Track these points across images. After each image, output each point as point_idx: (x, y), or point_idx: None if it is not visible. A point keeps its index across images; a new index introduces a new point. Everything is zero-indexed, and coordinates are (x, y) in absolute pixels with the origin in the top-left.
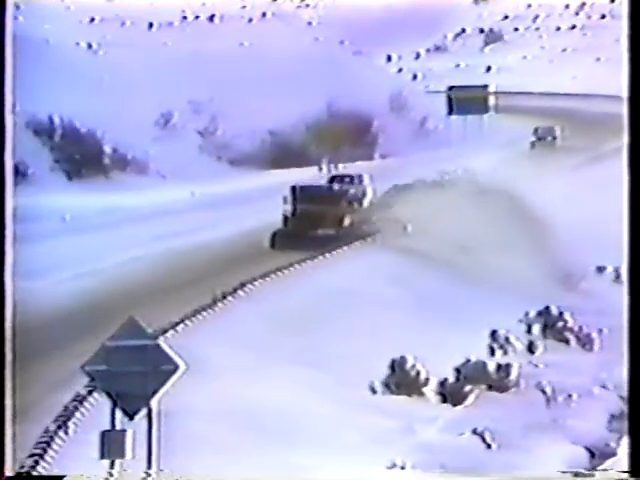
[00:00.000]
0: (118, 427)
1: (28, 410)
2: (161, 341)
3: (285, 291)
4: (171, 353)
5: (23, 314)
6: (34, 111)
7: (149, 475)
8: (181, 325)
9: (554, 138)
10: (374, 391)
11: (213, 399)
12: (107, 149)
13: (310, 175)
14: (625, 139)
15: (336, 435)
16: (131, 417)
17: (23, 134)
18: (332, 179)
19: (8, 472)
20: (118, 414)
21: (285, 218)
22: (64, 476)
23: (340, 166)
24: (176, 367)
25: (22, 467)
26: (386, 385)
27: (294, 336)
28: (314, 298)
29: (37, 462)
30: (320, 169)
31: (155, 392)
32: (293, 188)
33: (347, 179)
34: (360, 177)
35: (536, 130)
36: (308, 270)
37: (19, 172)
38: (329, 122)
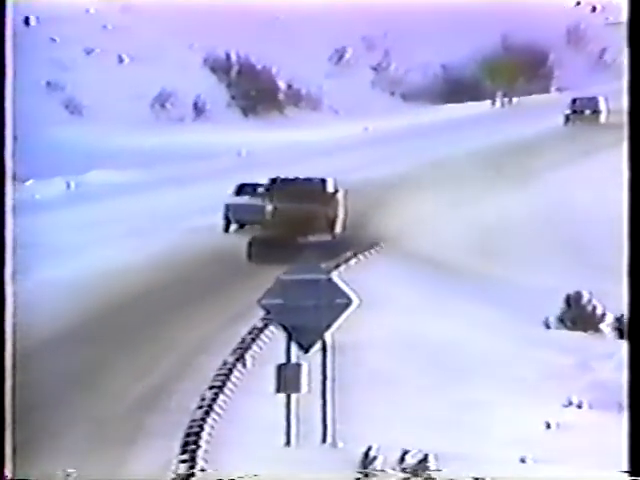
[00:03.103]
0: (293, 361)
1: (209, 342)
2: (334, 275)
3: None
4: (345, 287)
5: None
6: (211, 48)
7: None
8: (354, 260)
9: None
10: (548, 327)
11: (387, 333)
12: (282, 85)
13: (483, 110)
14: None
15: (511, 371)
16: (306, 350)
17: (201, 71)
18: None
19: (8, 472)
20: (293, 348)
21: (264, 219)
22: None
23: (514, 100)
24: (350, 301)
25: (203, 399)
26: (561, 320)
27: (467, 272)
28: (491, 230)
29: (217, 394)
30: (493, 103)
31: (329, 326)
32: (272, 181)
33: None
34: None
35: None
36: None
37: (197, 109)
38: (504, 56)
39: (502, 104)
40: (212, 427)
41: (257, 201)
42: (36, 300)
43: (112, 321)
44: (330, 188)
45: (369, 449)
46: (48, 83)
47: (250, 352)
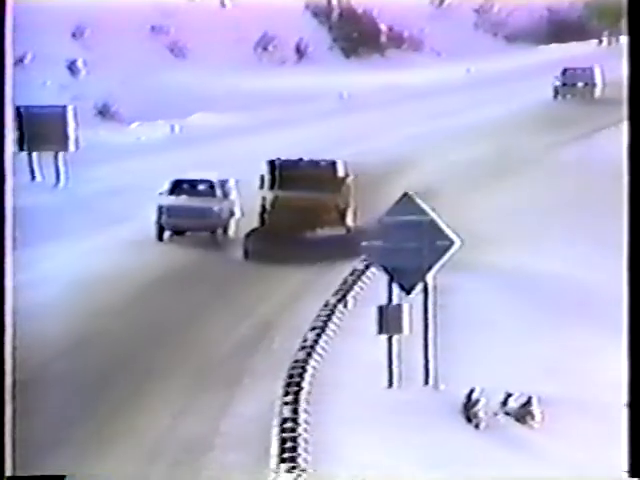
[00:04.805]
0: (395, 302)
1: (311, 283)
2: (435, 216)
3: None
4: (446, 229)
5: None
6: None
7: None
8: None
9: None
10: None
11: (489, 274)
12: (383, 27)
13: (588, 50)
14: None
15: (616, 313)
16: (408, 292)
17: (302, 15)
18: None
19: (8, 472)
20: (395, 289)
21: (262, 211)
22: (64, 476)
23: (621, 38)
24: (451, 243)
25: (305, 340)
26: None
27: (571, 209)
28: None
29: (319, 335)
30: (600, 42)
31: (430, 267)
32: (271, 164)
33: None
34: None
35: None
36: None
37: (299, 52)
38: None
39: (609, 42)
40: (314, 368)
41: (200, 201)
42: (123, 249)
43: (212, 264)
44: (341, 172)
45: (472, 392)
46: (152, 27)
47: (352, 293)
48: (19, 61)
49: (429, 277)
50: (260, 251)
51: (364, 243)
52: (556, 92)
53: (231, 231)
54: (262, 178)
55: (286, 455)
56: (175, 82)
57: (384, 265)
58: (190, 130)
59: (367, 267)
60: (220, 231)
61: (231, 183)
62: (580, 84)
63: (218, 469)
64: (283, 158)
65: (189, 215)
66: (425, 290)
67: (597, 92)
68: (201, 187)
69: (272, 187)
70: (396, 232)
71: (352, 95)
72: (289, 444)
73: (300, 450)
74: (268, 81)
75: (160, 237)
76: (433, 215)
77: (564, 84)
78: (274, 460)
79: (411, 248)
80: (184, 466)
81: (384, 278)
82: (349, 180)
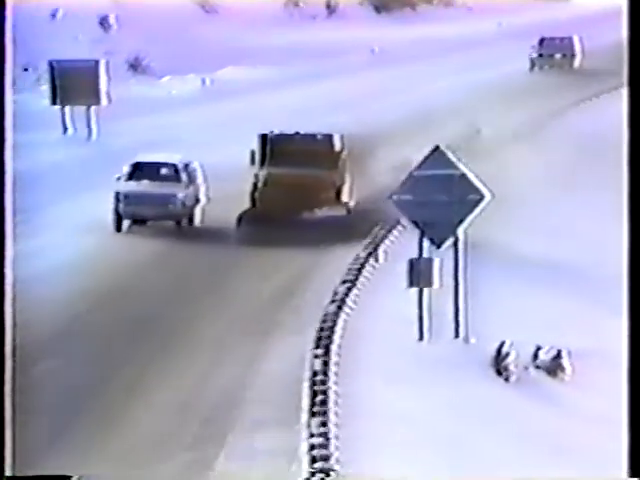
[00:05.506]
0: (425, 256)
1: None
2: (467, 170)
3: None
4: (477, 183)
5: None
6: None
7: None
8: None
9: None
10: None
11: (520, 229)
12: None
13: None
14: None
15: None
16: (438, 246)
17: None
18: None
19: (8, 472)
20: (425, 243)
21: (253, 190)
22: (67, 477)
23: None
24: (482, 197)
25: (336, 294)
26: None
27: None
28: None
29: (350, 289)
30: None
31: (461, 221)
32: (263, 138)
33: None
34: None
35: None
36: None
37: (330, 7)
38: None
39: None
40: (345, 321)
41: (162, 187)
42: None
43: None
44: (337, 146)
45: (502, 345)
46: None
47: (382, 247)
48: (51, 16)
49: (460, 231)
50: (254, 232)
51: (394, 197)
52: (532, 64)
53: (197, 220)
54: (252, 153)
55: (317, 409)
56: (206, 36)
57: (414, 219)
58: (221, 84)
59: (397, 221)
60: (185, 220)
61: (195, 165)
62: (558, 55)
63: (248, 425)
64: (276, 131)
65: (151, 203)
66: (455, 244)
67: (576, 63)
68: (164, 171)
69: (263, 163)
70: (427, 186)
71: (383, 49)
72: (320, 397)
73: (330, 404)
74: (299, 36)
75: (119, 227)
76: (464, 169)
77: (540, 55)
78: (305, 415)
79: (441, 202)
80: (214, 425)
81: (415, 232)
82: (344, 154)
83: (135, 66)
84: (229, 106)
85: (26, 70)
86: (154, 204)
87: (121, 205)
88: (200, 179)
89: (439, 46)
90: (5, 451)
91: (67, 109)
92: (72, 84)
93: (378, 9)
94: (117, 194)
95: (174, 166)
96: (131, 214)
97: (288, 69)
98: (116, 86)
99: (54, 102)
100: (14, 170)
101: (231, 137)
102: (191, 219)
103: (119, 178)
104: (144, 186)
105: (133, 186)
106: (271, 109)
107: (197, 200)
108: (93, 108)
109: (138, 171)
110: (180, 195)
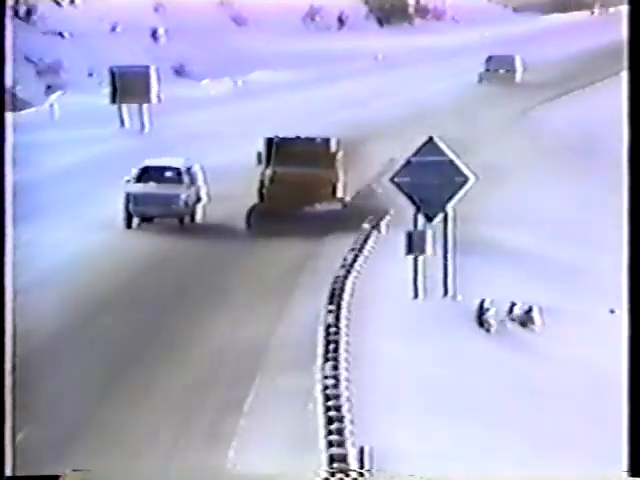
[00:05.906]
0: (420, 228)
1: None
2: (454, 157)
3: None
4: (463, 167)
5: None
6: None
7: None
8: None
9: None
10: None
11: (502, 207)
12: (411, 0)
13: (581, 18)
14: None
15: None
16: (430, 220)
17: None
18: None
19: (8, 472)
20: (420, 218)
21: (261, 187)
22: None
23: (611, 9)
24: (467, 179)
25: (345, 260)
26: None
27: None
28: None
29: (356, 256)
30: (592, 12)
31: (450, 199)
32: (269, 142)
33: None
34: None
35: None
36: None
37: (341, 20)
38: None
39: (600, 13)
40: (353, 283)
41: (167, 189)
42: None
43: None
44: (333, 148)
45: (483, 302)
46: (221, 2)
47: (384, 221)
48: (112, 30)
49: (449, 208)
50: (262, 224)
51: (395, 179)
52: (480, 78)
53: (198, 217)
54: (259, 155)
55: (330, 355)
56: (238, 45)
57: (411, 197)
58: (250, 85)
59: (386, 212)
60: (188, 218)
61: (196, 168)
62: (502, 70)
63: (272, 368)
64: (281, 136)
65: (157, 203)
66: (445, 219)
67: (517, 77)
68: (168, 174)
69: (269, 163)
70: (421, 170)
71: (385, 57)
72: (332, 345)
73: (341, 350)
74: (314, 44)
75: (129, 224)
76: (452, 156)
77: (487, 70)
78: (319, 360)
79: (433, 183)
80: (245, 368)
81: (411, 208)
82: (339, 155)
83: (179, 71)
84: (257, 103)
85: (90, 75)
86: (159, 204)
87: (131, 205)
88: (201, 181)
89: (433, 53)
90: (5, 451)
91: (124, 107)
92: (128, 86)
93: (381, 22)
94: (127, 195)
95: (177, 169)
96: (140, 213)
97: (305, 72)
98: (164, 88)
99: (113, 101)
100: (78, 157)
101: (258, 131)
102: (193, 217)
103: (128, 181)
104: (150, 188)
105: (141, 188)
106: (291, 105)
107: (198, 199)
108: (145, 106)
109: (145, 174)
110: (183, 195)
